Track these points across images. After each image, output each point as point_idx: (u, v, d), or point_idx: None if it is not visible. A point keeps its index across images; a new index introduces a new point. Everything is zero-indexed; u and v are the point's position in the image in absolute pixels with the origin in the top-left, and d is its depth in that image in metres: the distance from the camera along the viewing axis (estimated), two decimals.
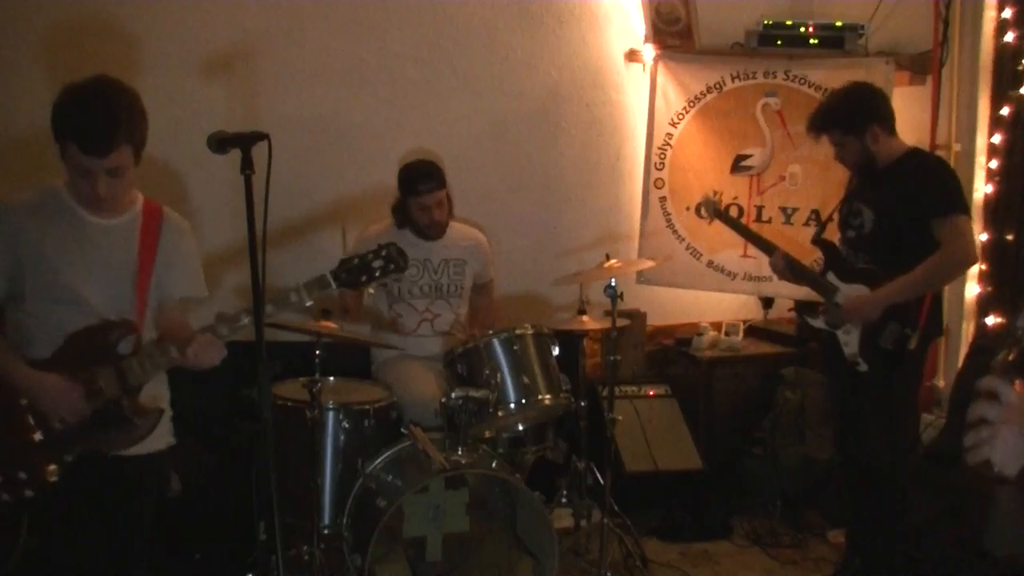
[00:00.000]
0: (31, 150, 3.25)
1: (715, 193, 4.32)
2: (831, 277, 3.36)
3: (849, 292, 3.30)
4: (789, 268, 3.46)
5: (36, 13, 3.63)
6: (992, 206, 3.97)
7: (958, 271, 3.41)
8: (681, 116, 4.55)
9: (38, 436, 2.24)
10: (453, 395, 3.15)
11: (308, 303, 2.35)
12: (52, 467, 2.24)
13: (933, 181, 3.23)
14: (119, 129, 2.19)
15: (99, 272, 2.31)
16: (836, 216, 3.49)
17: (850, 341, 3.29)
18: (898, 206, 3.21)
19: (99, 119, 2.18)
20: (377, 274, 2.36)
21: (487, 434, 3.40)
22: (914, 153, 3.34)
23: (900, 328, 3.19)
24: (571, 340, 3.68)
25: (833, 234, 3.52)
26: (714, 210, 3.73)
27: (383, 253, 2.37)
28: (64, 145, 2.21)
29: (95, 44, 3.71)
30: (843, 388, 3.46)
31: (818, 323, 3.40)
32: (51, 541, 2.30)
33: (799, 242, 4.17)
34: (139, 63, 3.79)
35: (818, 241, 3.54)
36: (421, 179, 3.68)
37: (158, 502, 2.51)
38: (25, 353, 2.28)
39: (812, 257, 3.70)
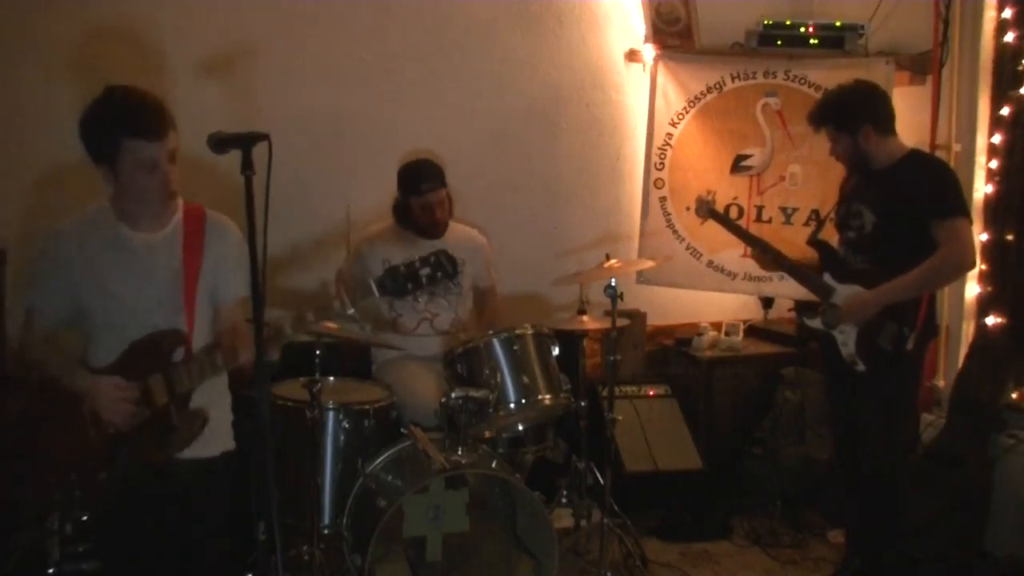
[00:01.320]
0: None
1: (708, 192, 4.32)
2: (828, 278, 3.37)
3: (846, 292, 3.30)
4: (788, 270, 3.48)
5: (37, 15, 3.64)
6: (992, 206, 3.97)
7: (955, 274, 3.40)
8: (681, 116, 4.55)
9: (93, 435, 2.29)
10: (453, 395, 3.15)
11: (351, 311, 2.35)
12: (102, 471, 2.29)
13: (934, 183, 3.23)
14: (166, 111, 2.30)
15: (147, 286, 2.37)
16: (833, 217, 3.50)
17: (847, 341, 3.29)
18: (899, 207, 3.22)
19: (148, 105, 2.27)
20: (425, 282, 2.33)
21: (487, 434, 3.41)
22: (914, 155, 3.34)
23: (898, 328, 3.19)
24: (571, 340, 3.69)
25: (831, 235, 3.52)
26: (708, 210, 3.71)
27: (431, 260, 2.33)
28: (119, 147, 2.25)
29: (95, 46, 3.71)
30: (842, 389, 3.45)
31: (815, 323, 3.40)
32: (111, 554, 2.30)
33: (799, 242, 4.15)
34: (139, 63, 3.79)
35: (814, 242, 3.54)
36: (422, 178, 3.68)
37: (221, 513, 2.52)
38: (93, 362, 2.39)
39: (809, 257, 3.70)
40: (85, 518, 2.25)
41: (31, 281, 2.43)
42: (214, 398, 2.47)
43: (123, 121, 2.25)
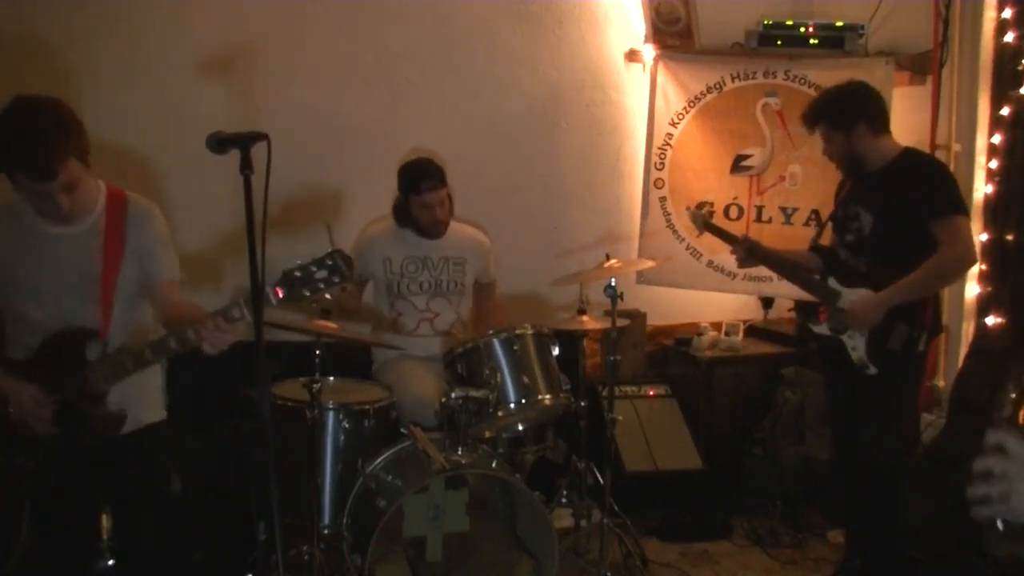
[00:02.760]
0: None
1: (700, 205, 4.38)
2: (832, 282, 3.35)
3: (852, 296, 3.28)
4: (792, 277, 3.50)
5: (37, 16, 3.64)
6: (992, 206, 3.97)
7: (959, 272, 3.40)
8: (681, 116, 4.55)
9: (17, 430, 2.33)
10: (453, 395, 3.14)
11: (248, 319, 2.20)
12: (31, 463, 2.35)
13: (931, 182, 3.22)
14: (58, 149, 2.17)
15: (61, 280, 2.35)
16: (832, 221, 3.49)
17: (857, 345, 3.27)
18: (897, 208, 3.20)
19: (36, 148, 2.15)
20: (321, 286, 2.19)
21: (487, 434, 3.40)
22: (908, 153, 3.32)
23: (908, 329, 3.18)
24: (571, 340, 3.68)
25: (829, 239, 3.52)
26: (703, 223, 3.68)
27: (328, 262, 2.18)
28: (11, 175, 2.21)
29: (96, 45, 3.71)
30: (842, 389, 3.45)
31: (821, 329, 3.37)
32: (55, 532, 2.37)
33: (798, 243, 4.16)
34: (139, 63, 3.79)
35: (815, 248, 3.54)
36: (423, 177, 3.68)
37: (161, 475, 2.56)
38: (13, 354, 2.41)
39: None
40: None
41: None
42: (142, 375, 2.41)
43: (11, 160, 2.18)
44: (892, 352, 3.21)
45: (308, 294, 2.19)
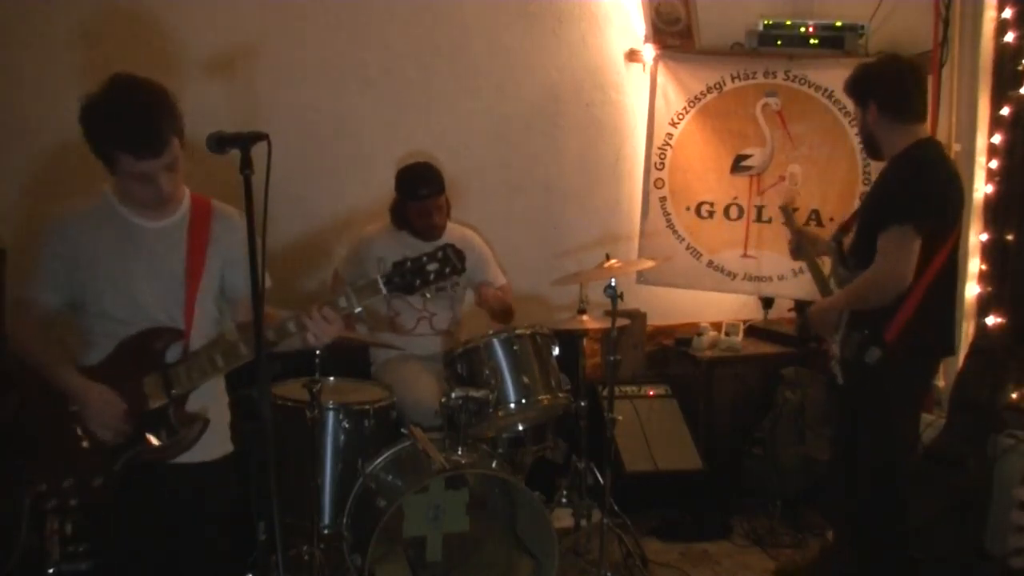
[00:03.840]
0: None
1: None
2: (832, 282, 3.34)
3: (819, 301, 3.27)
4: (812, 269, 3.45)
5: (39, 14, 3.64)
6: (992, 206, 3.97)
7: (879, 291, 2.98)
8: (681, 116, 4.55)
9: (85, 444, 2.23)
10: (453, 395, 3.15)
11: (357, 309, 2.25)
12: (98, 477, 2.23)
13: (892, 185, 3.04)
14: (164, 124, 2.17)
15: (151, 276, 2.29)
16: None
17: (836, 352, 3.22)
18: (870, 210, 3.11)
19: (143, 121, 2.14)
20: (432, 277, 2.21)
21: (487, 434, 3.40)
22: (907, 150, 3.05)
23: (860, 340, 3.03)
24: (571, 340, 3.68)
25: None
26: (787, 216, 3.65)
27: (439, 255, 2.22)
28: (113, 157, 2.17)
29: (97, 44, 3.71)
30: (839, 394, 3.43)
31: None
32: (110, 557, 2.26)
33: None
34: (139, 63, 3.77)
35: (837, 241, 3.38)
36: (421, 184, 3.66)
37: (222, 516, 2.47)
38: (84, 359, 2.30)
39: None
40: (83, 519, 2.21)
41: (31, 269, 2.32)
42: (212, 400, 2.40)
43: (117, 136, 2.15)
44: (850, 362, 3.10)
45: (418, 284, 2.21)
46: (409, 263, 2.22)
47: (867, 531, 3.32)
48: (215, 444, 2.40)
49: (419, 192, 3.65)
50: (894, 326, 2.97)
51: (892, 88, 3.06)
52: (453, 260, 2.22)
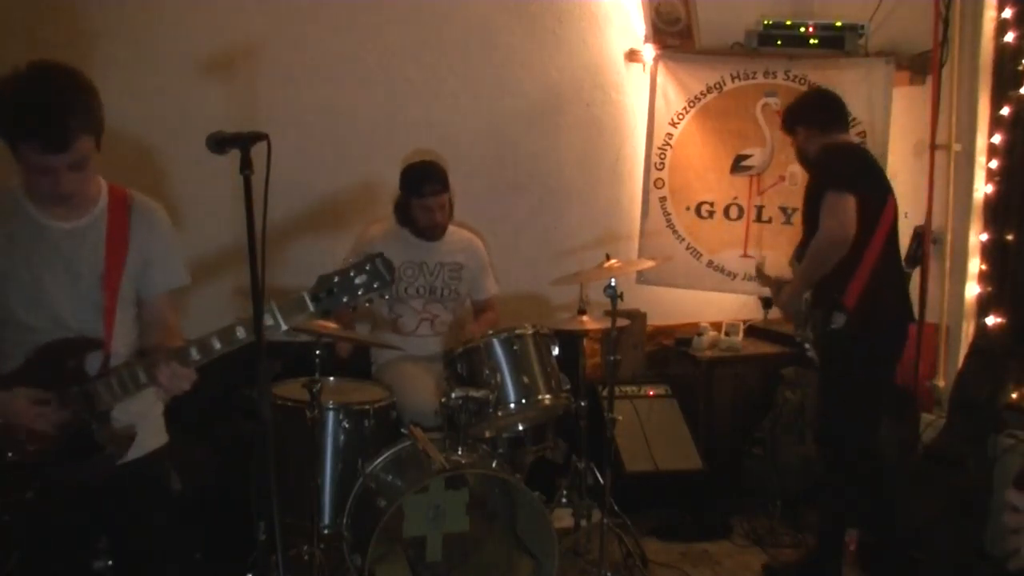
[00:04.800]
0: None
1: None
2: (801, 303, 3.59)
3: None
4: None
5: (40, 14, 3.64)
6: (992, 206, 3.97)
7: (830, 248, 3.29)
8: (681, 116, 4.55)
9: (10, 455, 2.07)
10: (453, 395, 3.15)
11: (284, 327, 2.07)
12: (29, 492, 2.09)
13: (820, 168, 3.42)
14: (74, 120, 1.97)
15: (65, 281, 2.12)
16: None
17: (808, 335, 3.52)
18: (808, 201, 3.40)
19: (51, 114, 1.95)
20: (360, 292, 2.06)
21: (487, 434, 3.40)
22: (824, 144, 3.47)
23: (823, 312, 3.36)
24: (571, 340, 3.68)
25: None
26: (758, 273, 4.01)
27: (367, 267, 2.06)
28: (15, 145, 1.99)
29: (98, 45, 3.71)
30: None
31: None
32: (54, 565, 2.19)
33: (798, 242, 4.16)
34: (139, 63, 3.79)
35: (797, 257, 3.64)
36: (426, 180, 3.68)
37: (167, 500, 2.38)
38: None
39: None
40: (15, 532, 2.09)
41: None
42: (141, 399, 2.20)
43: (18, 128, 1.96)
44: (820, 338, 3.42)
45: (346, 301, 2.06)
46: (337, 277, 2.06)
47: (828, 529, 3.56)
48: (149, 438, 2.28)
49: (423, 189, 3.66)
50: (852, 292, 3.29)
51: (811, 108, 3.59)
52: (382, 272, 2.07)
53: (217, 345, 2.07)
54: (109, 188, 2.22)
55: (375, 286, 2.07)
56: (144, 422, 2.25)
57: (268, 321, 2.04)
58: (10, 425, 2.07)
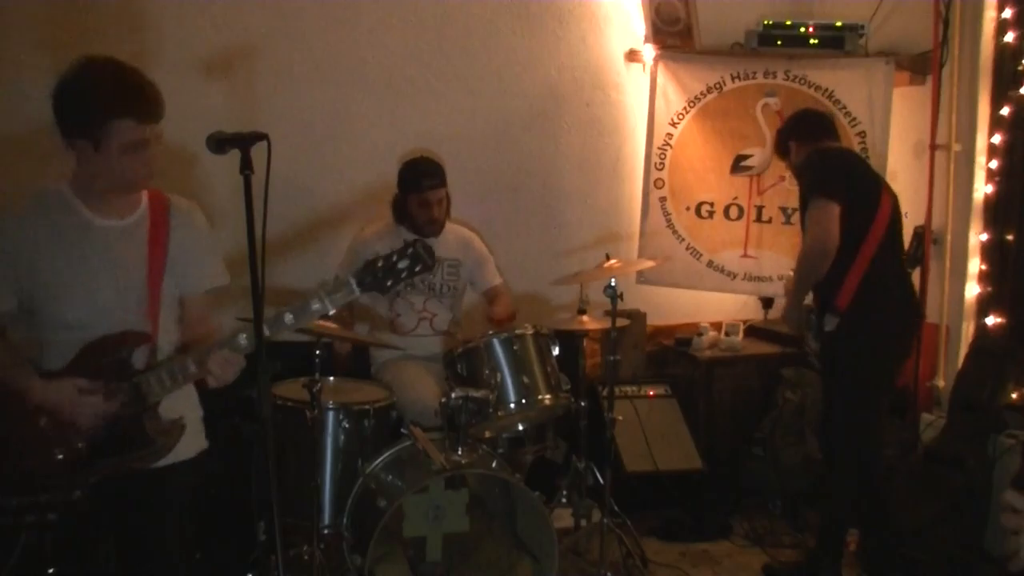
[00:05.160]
0: (30, 150, 3.24)
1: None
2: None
3: None
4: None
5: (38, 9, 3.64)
6: (992, 206, 3.97)
7: (815, 257, 3.32)
8: (681, 116, 4.55)
9: (60, 456, 2.11)
10: (453, 395, 3.14)
11: (331, 311, 2.17)
12: (75, 490, 2.12)
13: (806, 175, 3.44)
14: (159, 91, 2.12)
15: (113, 278, 2.16)
16: None
17: (814, 346, 3.62)
18: (799, 207, 3.44)
19: (146, 84, 2.08)
20: (404, 275, 2.17)
21: (487, 434, 3.41)
22: (807, 153, 3.50)
23: (816, 320, 3.42)
24: (571, 340, 3.68)
25: None
26: None
27: (408, 251, 2.17)
28: (106, 125, 2.04)
29: (98, 45, 3.71)
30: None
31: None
32: (83, 567, 2.21)
33: (798, 242, 4.16)
34: (139, 63, 3.77)
35: None
36: (424, 175, 3.69)
37: (186, 505, 2.37)
38: (40, 368, 2.17)
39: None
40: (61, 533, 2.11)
41: None
42: (182, 398, 2.26)
43: (118, 100, 2.04)
44: (822, 344, 3.47)
45: (390, 284, 2.17)
46: (380, 261, 2.17)
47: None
48: (190, 443, 2.30)
49: (421, 183, 3.67)
50: (844, 294, 3.31)
51: (798, 123, 3.63)
52: (423, 256, 2.18)
53: (266, 331, 2.11)
54: (148, 193, 2.27)
55: (417, 269, 2.18)
56: (187, 428, 2.27)
57: (315, 304, 2.15)
58: (59, 423, 2.10)
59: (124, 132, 2.06)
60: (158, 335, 2.20)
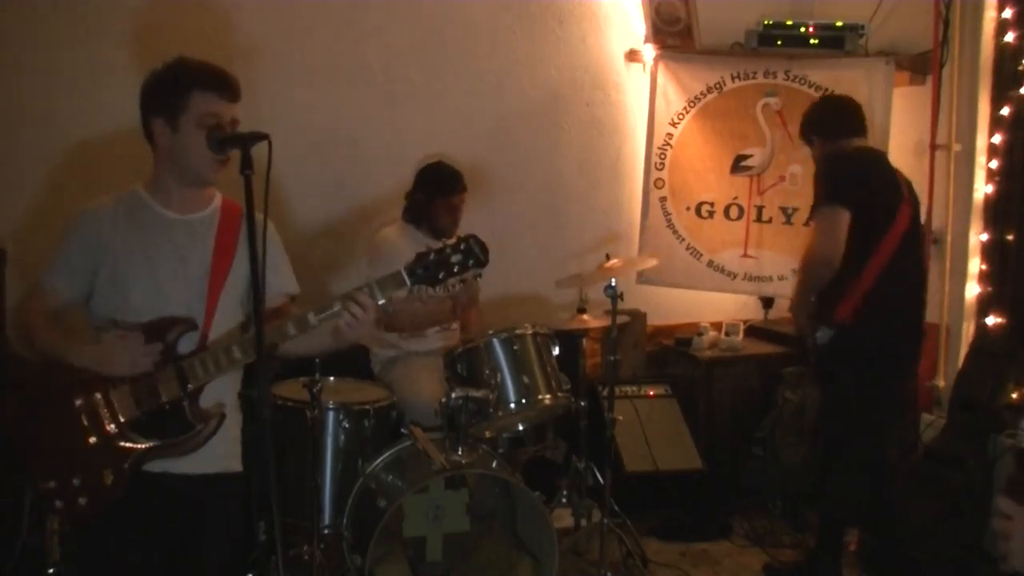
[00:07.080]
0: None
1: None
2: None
3: None
4: None
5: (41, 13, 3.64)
6: (992, 206, 3.97)
7: (818, 266, 3.28)
8: (681, 116, 4.55)
9: (93, 439, 2.14)
10: (453, 395, 3.15)
11: (381, 301, 2.19)
12: (108, 474, 2.13)
13: (820, 177, 3.35)
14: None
15: (175, 268, 2.23)
16: None
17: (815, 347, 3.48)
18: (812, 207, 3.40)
19: (227, 73, 2.22)
20: (456, 269, 2.16)
21: (487, 434, 3.41)
22: (832, 151, 3.42)
23: (813, 328, 3.37)
24: (571, 340, 3.69)
25: None
26: None
27: (462, 247, 2.17)
28: (188, 97, 2.16)
29: (98, 45, 3.71)
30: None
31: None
32: (105, 568, 2.21)
33: (799, 242, 4.17)
34: (139, 63, 3.78)
35: None
36: (454, 179, 3.75)
37: (224, 537, 2.35)
38: None
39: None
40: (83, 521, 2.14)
41: (53, 258, 2.26)
42: (227, 405, 2.29)
43: (200, 75, 2.18)
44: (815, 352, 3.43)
45: (442, 277, 2.17)
46: (433, 254, 2.16)
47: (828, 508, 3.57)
48: (222, 455, 2.29)
49: (452, 187, 3.73)
50: (844, 307, 3.25)
51: (821, 117, 3.51)
52: (476, 252, 2.17)
53: (292, 330, 2.16)
54: (223, 199, 2.36)
55: (470, 264, 2.17)
56: (221, 438, 2.26)
57: (364, 294, 2.17)
58: (93, 406, 2.13)
59: (204, 103, 2.16)
60: (210, 329, 2.24)
